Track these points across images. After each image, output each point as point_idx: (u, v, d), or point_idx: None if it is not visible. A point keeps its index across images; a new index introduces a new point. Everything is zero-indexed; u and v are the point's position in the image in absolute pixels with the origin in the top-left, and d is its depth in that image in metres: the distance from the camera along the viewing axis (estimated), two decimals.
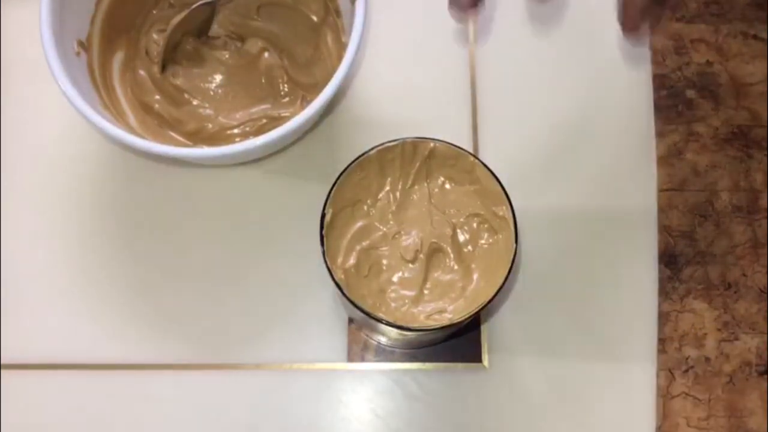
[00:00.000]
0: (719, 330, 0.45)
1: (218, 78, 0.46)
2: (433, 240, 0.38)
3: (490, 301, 0.35)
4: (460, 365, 0.44)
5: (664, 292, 0.45)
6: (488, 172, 0.36)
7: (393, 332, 0.37)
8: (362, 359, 0.44)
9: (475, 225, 0.38)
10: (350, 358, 0.44)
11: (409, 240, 0.38)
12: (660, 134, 0.47)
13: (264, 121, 0.46)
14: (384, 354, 0.44)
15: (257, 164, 0.46)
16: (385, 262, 0.38)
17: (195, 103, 0.46)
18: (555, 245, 0.46)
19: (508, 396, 0.44)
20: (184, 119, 0.45)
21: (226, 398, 0.44)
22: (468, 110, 0.48)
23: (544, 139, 0.47)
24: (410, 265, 0.38)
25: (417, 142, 0.37)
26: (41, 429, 0.43)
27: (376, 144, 0.37)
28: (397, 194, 0.39)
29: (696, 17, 0.49)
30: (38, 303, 0.45)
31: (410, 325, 0.36)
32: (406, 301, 0.38)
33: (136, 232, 0.46)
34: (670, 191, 0.47)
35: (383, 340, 0.43)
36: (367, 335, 0.44)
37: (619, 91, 0.48)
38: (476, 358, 0.44)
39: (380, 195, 0.39)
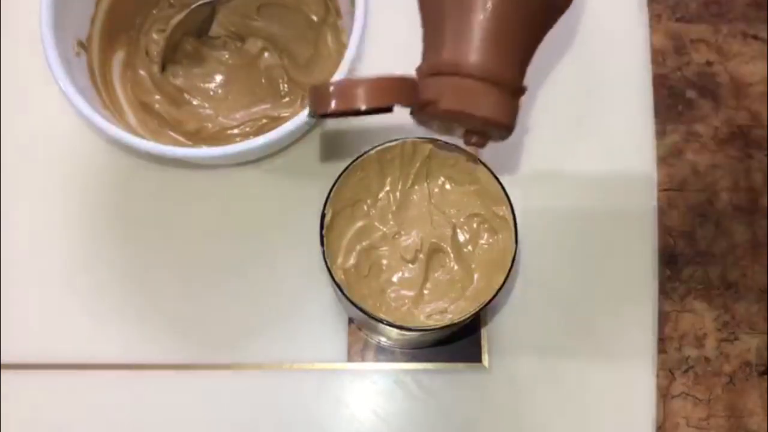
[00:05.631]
0: (719, 330, 0.45)
1: (218, 78, 0.46)
2: (433, 240, 0.38)
3: (490, 301, 0.35)
4: (460, 365, 0.44)
5: (664, 292, 0.45)
6: (488, 172, 0.36)
7: (393, 332, 0.37)
8: (362, 359, 0.44)
9: (475, 225, 0.38)
10: (350, 358, 0.44)
11: (409, 240, 0.38)
12: (660, 134, 0.47)
13: (264, 121, 0.46)
14: (384, 354, 0.44)
15: (257, 164, 0.46)
16: (385, 262, 0.38)
17: (195, 103, 0.46)
18: (555, 245, 0.45)
19: (508, 396, 0.44)
20: (184, 119, 0.45)
21: (226, 398, 0.43)
22: None
23: (544, 138, 0.47)
24: (410, 265, 0.38)
25: (417, 142, 0.37)
26: (41, 429, 0.43)
27: (376, 144, 0.37)
28: (397, 194, 0.39)
29: (696, 17, 0.50)
30: (38, 303, 0.45)
31: (410, 326, 0.36)
32: (407, 301, 0.38)
33: (135, 232, 0.46)
34: (670, 191, 0.47)
35: (383, 340, 0.43)
36: (367, 335, 0.44)
37: (619, 91, 0.48)
38: (476, 358, 0.44)
39: (380, 195, 0.39)
